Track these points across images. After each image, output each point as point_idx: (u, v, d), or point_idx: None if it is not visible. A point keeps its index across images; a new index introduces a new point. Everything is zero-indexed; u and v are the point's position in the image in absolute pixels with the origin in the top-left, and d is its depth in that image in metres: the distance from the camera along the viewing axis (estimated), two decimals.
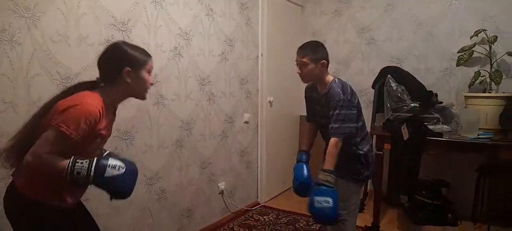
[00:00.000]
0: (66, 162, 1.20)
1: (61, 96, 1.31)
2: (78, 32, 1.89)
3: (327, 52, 1.95)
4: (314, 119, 2.17)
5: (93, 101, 1.26)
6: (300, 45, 1.98)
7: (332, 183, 1.80)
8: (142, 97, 1.43)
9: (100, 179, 1.23)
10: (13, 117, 1.65)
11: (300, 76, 1.98)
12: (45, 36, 1.75)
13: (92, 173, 1.21)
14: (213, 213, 3.01)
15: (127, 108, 2.20)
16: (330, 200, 1.75)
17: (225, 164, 3.13)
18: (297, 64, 1.97)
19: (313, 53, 1.90)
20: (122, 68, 1.32)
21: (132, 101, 2.19)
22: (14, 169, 1.35)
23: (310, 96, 2.13)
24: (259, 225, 3.03)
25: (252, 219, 3.17)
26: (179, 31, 2.54)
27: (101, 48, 1.96)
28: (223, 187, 3.09)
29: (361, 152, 1.99)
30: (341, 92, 1.87)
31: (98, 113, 1.26)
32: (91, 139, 1.31)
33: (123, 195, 1.32)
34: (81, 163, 1.21)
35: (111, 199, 1.31)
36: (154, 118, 2.40)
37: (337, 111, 1.84)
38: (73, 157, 1.22)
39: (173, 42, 2.50)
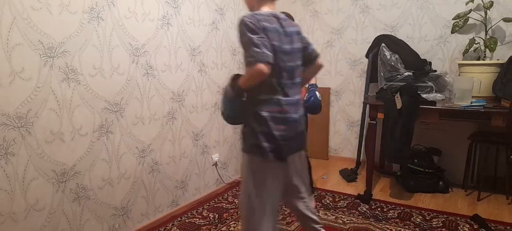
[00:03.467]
0: None
1: None
2: None
3: None
4: None
5: None
6: None
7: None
8: None
9: None
10: None
11: None
12: (24, 4, 1.66)
13: None
14: (207, 185, 3.02)
15: (116, 79, 2.14)
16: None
17: (218, 136, 3.11)
18: None
19: None
20: None
21: (120, 71, 2.16)
22: None
23: None
24: None
25: None
26: None
27: (85, 17, 1.93)
28: (216, 158, 3.08)
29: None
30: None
31: None
32: None
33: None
34: None
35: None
36: (144, 89, 2.35)
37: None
38: None
39: (161, 11, 2.42)
